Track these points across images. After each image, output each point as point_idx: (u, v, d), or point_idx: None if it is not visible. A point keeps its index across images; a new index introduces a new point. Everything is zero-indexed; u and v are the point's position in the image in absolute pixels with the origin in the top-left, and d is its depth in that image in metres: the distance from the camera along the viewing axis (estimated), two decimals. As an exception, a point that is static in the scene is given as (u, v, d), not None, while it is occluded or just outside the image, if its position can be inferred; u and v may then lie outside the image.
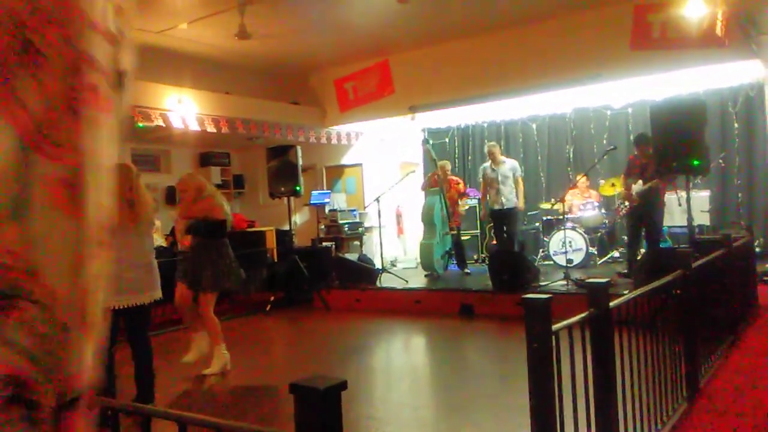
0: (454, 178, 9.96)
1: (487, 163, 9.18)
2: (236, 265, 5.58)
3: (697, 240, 6.56)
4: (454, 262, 9.79)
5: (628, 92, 9.53)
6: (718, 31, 7.13)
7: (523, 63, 8.90)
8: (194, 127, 8.86)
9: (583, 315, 2.53)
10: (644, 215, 7.65)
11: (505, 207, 8.95)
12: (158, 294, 4.51)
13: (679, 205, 8.05)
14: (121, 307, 4.23)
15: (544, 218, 10.05)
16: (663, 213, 7.76)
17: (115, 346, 4.33)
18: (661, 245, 7.89)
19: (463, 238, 10.17)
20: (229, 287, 5.65)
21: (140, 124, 8.22)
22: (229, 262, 5.49)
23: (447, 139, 11.68)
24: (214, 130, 9.11)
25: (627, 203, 8.12)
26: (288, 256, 9.24)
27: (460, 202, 9.79)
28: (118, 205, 4.21)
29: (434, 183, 9.53)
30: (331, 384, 1.20)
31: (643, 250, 8.23)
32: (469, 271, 9.71)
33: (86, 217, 0.80)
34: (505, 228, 9.17)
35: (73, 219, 0.79)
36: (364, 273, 9.12)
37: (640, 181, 7.70)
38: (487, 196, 9.20)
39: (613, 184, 9.52)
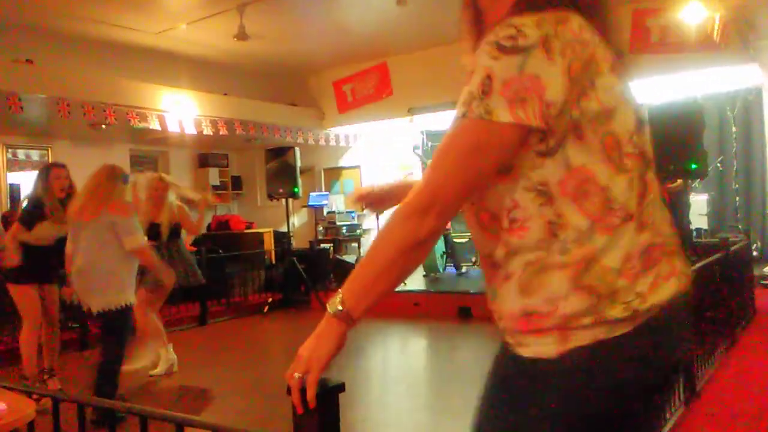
0: None
1: None
2: (182, 263, 5.59)
3: (694, 243, 6.57)
4: (452, 263, 9.80)
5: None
6: (717, 35, 7.14)
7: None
8: (192, 128, 8.85)
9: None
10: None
11: None
12: (121, 299, 4.30)
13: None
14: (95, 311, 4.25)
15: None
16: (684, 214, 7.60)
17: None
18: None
19: (461, 240, 10.17)
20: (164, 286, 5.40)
21: (137, 125, 8.21)
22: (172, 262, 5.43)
23: (445, 142, 11.66)
24: (212, 132, 9.11)
25: None
26: (286, 258, 9.23)
27: None
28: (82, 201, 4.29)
29: None
30: (328, 386, 1.20)
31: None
32: (464, 270, 9.75)
33: None
34: None
35: None
36: (362, 275, 9.11)
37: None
38: None
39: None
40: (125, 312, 4.32)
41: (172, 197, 5.65)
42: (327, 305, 1.19)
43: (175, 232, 5.64)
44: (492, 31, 1.10)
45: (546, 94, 1.06)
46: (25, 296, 4.94)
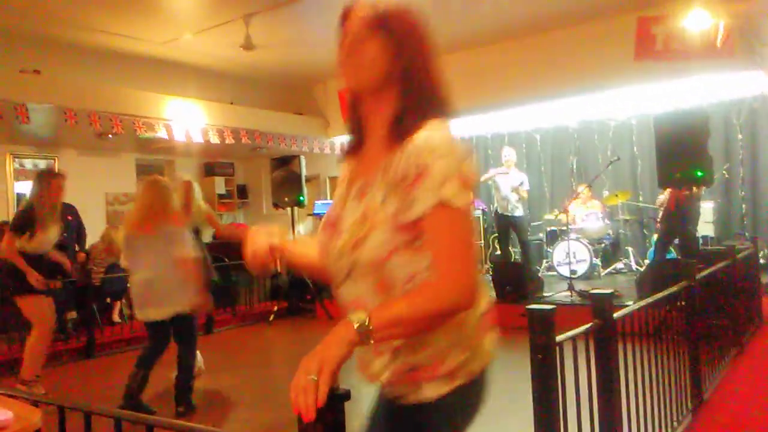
0: None
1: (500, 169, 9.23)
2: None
3: (701, 251, 6.53)
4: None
5: (632, 104, 9.54)
6: (722, 42, 7.13)
7: (527, 74, 8.93)
8: (198, 137, 8.89)
9: (587, 326, 2.52)
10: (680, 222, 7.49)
11: (513, 214, 8.99)
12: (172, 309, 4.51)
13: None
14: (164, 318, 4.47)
15: (548, 229, 10.04)
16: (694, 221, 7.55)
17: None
18: (667, 256, 7.84)
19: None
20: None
21: (144, 134, 8.25)
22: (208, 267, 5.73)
23: (450, 150, 11.67)
24: (218, 141, 9.14)
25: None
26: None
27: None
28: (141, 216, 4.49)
29: None
30: (334, 394, 1.19)
31: (647, 261, 8.18)
32: None
33: None
34: (517, 237, 9.23)
35: None
36: (368, 283, 9.10)
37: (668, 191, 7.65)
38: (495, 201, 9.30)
39: (616, 195, 9.51)
40: (193, 317, 4.61)
41: (200, 199, 5.75)
42: (350, 315, 1.26)
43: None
44: (417, 133, 1.35)
45: (471, 184, 1.36)
46: (35, 305, 5.01)
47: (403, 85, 1.45)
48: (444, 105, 1.47)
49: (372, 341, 1.25)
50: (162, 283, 4.40)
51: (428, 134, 1.34)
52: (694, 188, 7.03)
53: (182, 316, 4.50)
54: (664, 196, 8.14)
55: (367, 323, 1.24)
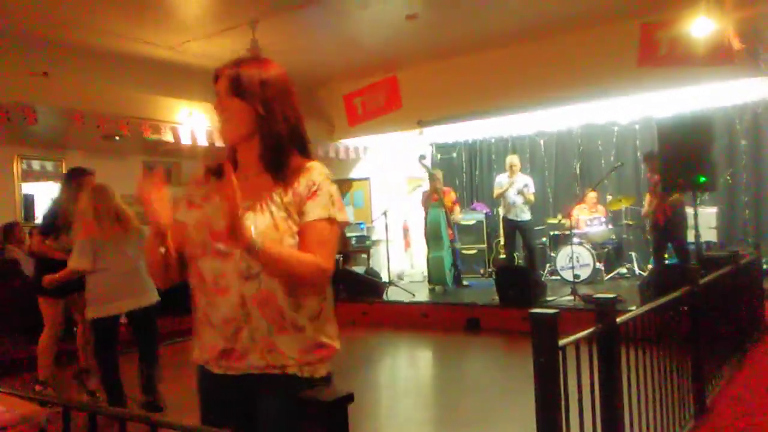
0: (446, 188, 10.01)
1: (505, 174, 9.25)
2: None
3: (704, 257, 6.53)
4: (456, 276, 9.79)
5: (636, 108, 9.55)
6: (726, 48, 7.13)
7: (531, 78, 8.94)
8: (203, 140, 8.92)
9: (590, 330, 2.53)
10: (670, 231, 7.53)
11: (521, 218, 9.02)
12: (152, 297, 4.62)
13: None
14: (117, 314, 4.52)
15: (552, 233, 10.04)
16: (682, 228, 7.58)
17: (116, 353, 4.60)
18: (669, 261, 7.86)
19: (470, 252, 10.16)
20: None
21: (150, 137, 8.28)
22: None
23: (455, 154, 11.71)
24: (223, 144, 9.16)
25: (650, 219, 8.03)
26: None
27: (455, 209, 9.88)
28: (101, 221, 4.54)
29: (434, 198, 9.57)
30: (337, 396, 1.21)
31: (650, 266, 8.17)
32: (467, 283, 9.74)
33: None
34: (522, 240, 9.24)
35: None
36: (371, 286, 9.13)
37: (648, 198, 7.68)
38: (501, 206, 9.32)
39: (620, 200, 9.51)
40: (154, 308, 4.71)
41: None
42: (254, 234, 1.63)
43: None
44: (307, 166, 1.80)
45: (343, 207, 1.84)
46: (52, 307, 5.08)
47: (264, 133, 1.82)
48: (302, 141, 1.87)
49: (257, 256, 1.62)
50: (140, 274, 4.54)
51: (318, 166, 1.81)
52: (677, 195, 7.08)
53: (145, 307, 4.62)
54: (645, 208, 8.16)
55: (259, 242, 1.61)
